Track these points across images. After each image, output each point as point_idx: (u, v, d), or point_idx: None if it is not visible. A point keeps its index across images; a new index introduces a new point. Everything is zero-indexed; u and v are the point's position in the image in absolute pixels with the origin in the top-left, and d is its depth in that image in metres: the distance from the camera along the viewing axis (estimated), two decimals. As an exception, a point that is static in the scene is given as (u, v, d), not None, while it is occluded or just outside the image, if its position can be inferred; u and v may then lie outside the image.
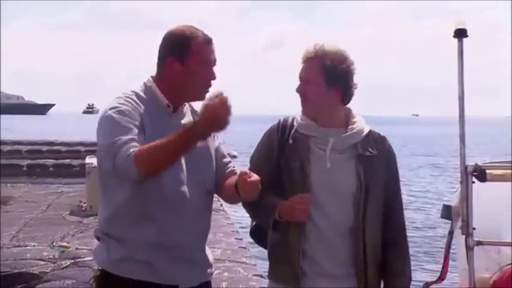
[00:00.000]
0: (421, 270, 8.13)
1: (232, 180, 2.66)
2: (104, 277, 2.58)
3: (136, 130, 2.44)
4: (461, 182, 2.83)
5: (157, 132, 2.47)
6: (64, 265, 6.39)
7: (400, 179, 2.94)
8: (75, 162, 17.13)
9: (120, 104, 2.51)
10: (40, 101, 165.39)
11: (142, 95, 2.58)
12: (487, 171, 2.78)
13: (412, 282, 2.84)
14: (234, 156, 26.58)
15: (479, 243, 2.80)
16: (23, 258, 6.62)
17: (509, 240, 2.92)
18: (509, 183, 2.82)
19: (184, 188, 2.56)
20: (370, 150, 2.80)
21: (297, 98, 2.84)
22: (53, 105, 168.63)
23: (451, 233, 3.07)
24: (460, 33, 2.78)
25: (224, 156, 2.78)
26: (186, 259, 2.59)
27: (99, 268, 2.62)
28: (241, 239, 7.77)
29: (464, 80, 2.79)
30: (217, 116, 2.30)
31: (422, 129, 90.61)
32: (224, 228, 8.32)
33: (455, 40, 2.79)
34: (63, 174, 16.19)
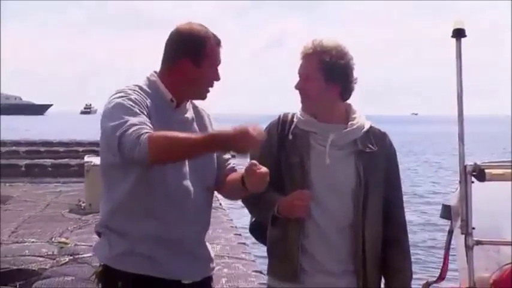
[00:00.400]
0: (421, 270, 8.14)
1: (234, 175, 2.67)
2: (105, 272, 2.57)
3: (147, 117, 2.41)
4: (460, 182, 2.83)
5: (161, 126, 2.46)
6: (63, 261, 6.40)
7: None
8: (73, 161, 17.15)
9: (128, 92, 2.49)
10: (38, 101, 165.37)
11: (146, 88, 2.57)
12: (486, 170, 2.79)
13: (412, 282, 2.84)
14: (233, 156, 26.58)
15: (478, 242, 2.81)
16: (21, 254, 6.63)
17: (509, 240, 2.93)
18: (509, 182, 2.82)
19: (187, 183, 2.57)
20: (370, 146, 2.80)
21: (296, 96, 2.84)
22: (51, 105, 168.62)
23: (450, 233, 3.07)
24: (459, 33, 2.79)
25: (224, 153, 2.79)
26: (188, 253, 2.60)
27: (101, 264, 2.61)
28: (240, 235, 7.79)
29: (462, 79, 2.79)
30: (248, 145, 2.32)
31: (422, 128, 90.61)
32: (223, 224, 8.34)
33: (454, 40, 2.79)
34: (61, 174, 16.20)
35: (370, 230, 2.76)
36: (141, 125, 2.33)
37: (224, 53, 2.64)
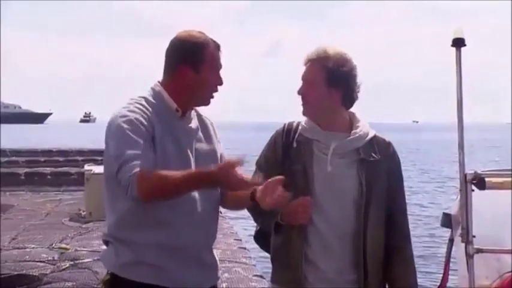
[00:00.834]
0: (422, 278, 8.13)
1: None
2: (113, 281, 2.58)
3: (144, 144, 2.46)
4: (460, 190, 2.84)
5: (167, 137, 2.53)
6: (63, 267, 6.38)
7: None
8: (73, 170, 17.11)
9: (130, 111, 2.53)
10: (37, 109, 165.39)
11: (152, 99, 2.61)
12: (486, 179, 2.79)
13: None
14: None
15: (479, 250, 2.81)
16: (22, 260, 6.62)
17: (509, 248, 2.93)
18: (509, 191, 2.83)
19: (194, 192, 2.58)
20: (374, 155, 2.81)
21: (298, 102, 2.87)
22: (50, 114, 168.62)
23: (451, 241, 3.08)
24: (458, 43, 2.81)
25: None
26: (196, 262, 2.61)
27: (108, 272, 2.62)
28: (240, 240, 7.78)
29: (462, 87, 2.81)
30: (231, 182, 2.40)
31: (422, 136, 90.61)
32: (224, 230, 8.31)
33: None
34: (61, 182, 16.16)
35: (372, 238, 2.78)
36: (134, 160, 2.39)
37: (226, 57, 2.67)
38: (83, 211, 10.09)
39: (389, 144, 2.89)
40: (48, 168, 17.88)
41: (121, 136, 2.48)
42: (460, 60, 2.80)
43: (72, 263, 6.49)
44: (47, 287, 5.70)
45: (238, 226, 10.30)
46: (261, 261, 6.60)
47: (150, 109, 2.56)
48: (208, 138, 2.73)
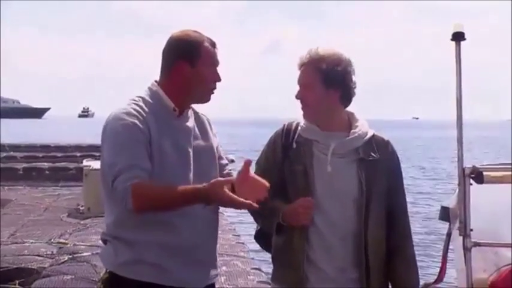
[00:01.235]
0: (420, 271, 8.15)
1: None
2: (111, 279, 2.58)
3: (139, 151, 2.47)
4: (459, 184, 2.85)
5: (165, 137, 2.54)
6: (62, 260, 6.39)
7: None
8: (72, 165, 17.11)
9: (127, 114, 2.53)
10: (36, 104, 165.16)
11: (149, 99, 2.62)
12: (485, 173, 2.80)
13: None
14: (232, 161, 26.51)
15: (476, 244, 2.82)
16: (21, 254, 6.64)
17: (507, 241, 2.94)
18: (507, 185, 2.84)
19: None
20: (373, 154, 2.82)
21: (297, 104, 2.87)
22: (49, 109, 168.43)
23: (449, 235, 3.09)
24: (458, 36, 2.81)
25: (221, 158, 2.82)
26: (195, 261, 2.61)
27: (107, 270, 2.62)
28: (238, 236, 7.84)
29: (462, 82, 2.81)
30: (220, 199, 2.43)
31: (423, 133, 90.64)
32: (222, 227, 8.33)
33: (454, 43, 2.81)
34: (59, 177, 16.15)
35: (372, 237, 2.79)
36: (130, 170, 2.41)
37: (224, 56, 2.68)
38: (82, 206, 10.10)
39: (388, 143, 2.90)
40: (46, 164, 17.88)
41: (116, 142, 2.50)
42: (460, 54, 2.80)
43: (70, 256, 6.49)
44: (45, 280, 5.69)
45: (236, 222, 10.35)
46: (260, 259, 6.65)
47: (147, 110, 2.57)
48: (204, 134, 2.73)
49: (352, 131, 2.84)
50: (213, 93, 2.68)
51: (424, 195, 20.52)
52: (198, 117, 2.76)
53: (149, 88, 2.67)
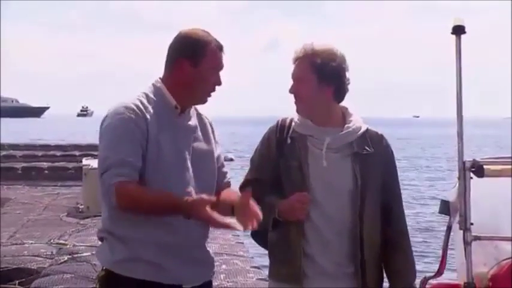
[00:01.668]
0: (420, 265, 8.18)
1: (227, 196, 2.69)
2: (108, 277, 2.58)
3: (133, 148, 2.47)
4: (459, 178, 2.85)
5: (164, 134, 2.53)
6: (62, 260, 6.41)
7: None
8: (71, 165, 17.13)
9: (127, 109, 2.52)
10: (35, 103, 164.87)
11: (152, 96, 2.61)
12: (485, 166, 2.80)
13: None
14: (231, 159, 26.49)
15: (476, 238, 2.82)
16: (21, 254, 6.66)
17: (507, 235, 2.94)
18: (507, 178, 2.84)
19: (190, 189, 2.58)
20: (367, 148, 2.82)
21: (292, 99, 2.87)
22: (48, 108, 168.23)
23: (449, 228, 3.09)
24: (458, 30, 2.80)
25: (223, 166, 2.81)
26: (191, 258, 2.61)
27: (103, 268, 2.62)
28: (238, 236, 7.83)
29: (462, 77, 2.80)
30: (203, 221, 2.47)
31: (423, 131, 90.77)
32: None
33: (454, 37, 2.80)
34: (58, 177, 16.17)
35: (368, 231, 2.79)
36: (119, 166, 2.43)
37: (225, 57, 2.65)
38: (81, 205, 10.11)
39: (381, 137, 2.90)
40: (45, 163, 17.90)
41: (112, 137, 2.50)
42: (460, 47, 2.79)
43: (70, 256, 6.52)
44: (45, 279, 5.71)
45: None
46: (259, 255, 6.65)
47: (148, 106, 2.56)
48: (206, 138, 2.72)
49: (346, 125, 2.84)
50: (210, 95, 2.67)
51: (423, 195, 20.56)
52: (201, 119, 2.74)
53: (153, 84, 2.66)
